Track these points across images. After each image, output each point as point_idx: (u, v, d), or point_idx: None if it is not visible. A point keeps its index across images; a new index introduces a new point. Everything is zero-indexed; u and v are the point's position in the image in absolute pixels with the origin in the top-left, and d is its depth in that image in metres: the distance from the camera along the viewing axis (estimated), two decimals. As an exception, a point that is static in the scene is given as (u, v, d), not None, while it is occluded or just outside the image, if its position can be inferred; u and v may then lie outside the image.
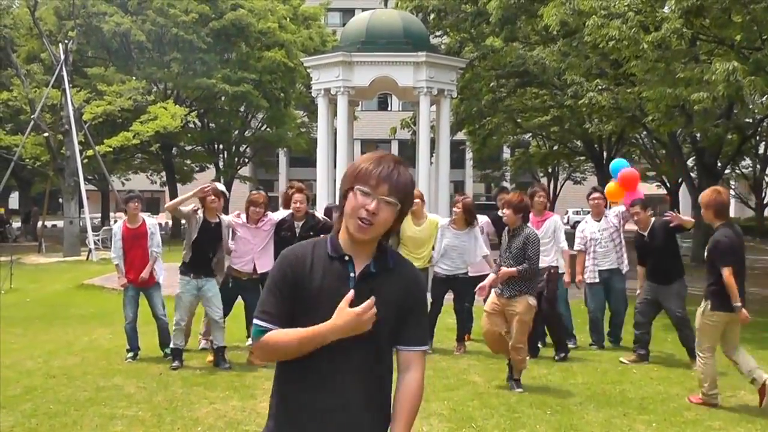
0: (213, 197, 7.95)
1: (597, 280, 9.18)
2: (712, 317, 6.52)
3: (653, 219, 8.40)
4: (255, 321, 2.24)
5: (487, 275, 7.51)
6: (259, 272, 8.23)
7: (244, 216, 8.39)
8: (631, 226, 9.14)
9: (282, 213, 8.57)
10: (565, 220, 36.89)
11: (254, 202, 8.28)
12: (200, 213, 7.95)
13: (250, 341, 8.43)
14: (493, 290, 7.07)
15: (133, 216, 8.47)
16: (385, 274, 2.29)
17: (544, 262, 8.27)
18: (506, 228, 7.11)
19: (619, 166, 10.19)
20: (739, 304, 6.34)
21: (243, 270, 8.27)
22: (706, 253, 6.71)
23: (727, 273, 6.31)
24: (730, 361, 6.79)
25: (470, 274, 8.75)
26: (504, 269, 6.91)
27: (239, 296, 8.47)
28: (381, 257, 2.31)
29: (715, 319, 6.51)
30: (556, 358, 8.35)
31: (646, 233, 8.28)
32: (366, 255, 2.29)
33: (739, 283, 6.40)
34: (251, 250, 8.27)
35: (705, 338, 6.61)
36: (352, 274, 2.25)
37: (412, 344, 2.35)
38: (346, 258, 2.27)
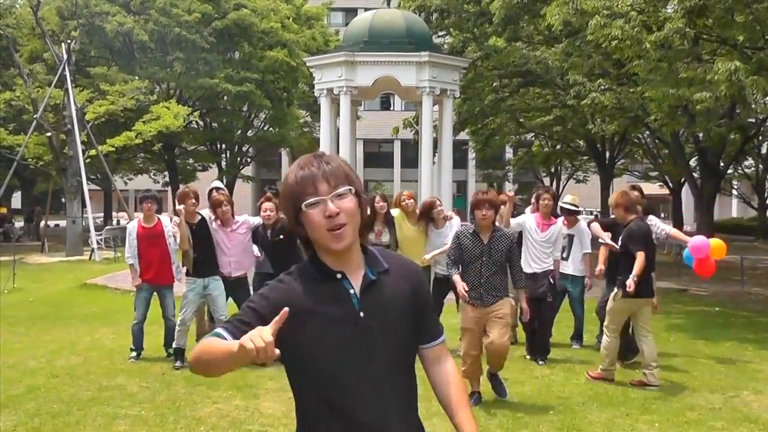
0: (193, 200, 7.96)
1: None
2: (622, 303, 7.25)
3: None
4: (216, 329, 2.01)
5: None
6: (234, 275, 8.23)
7: (218, 219, 8.31)
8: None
9: (258, 219, 8.50)
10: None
11: (217, 203, 8.19)
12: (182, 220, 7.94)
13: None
14: (464, 303, 6.54)
15: (148, 216, 8.46)
16: (384, 278, 2.11)
17: (545, 265, 8.26)
18: (472, 230, 6.56)
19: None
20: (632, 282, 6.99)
21: (223, 272, 8.27)
22: (620, 243, 7.41)
23: (641, 257, 7.00)
24: (637, 343, 7.44)
25: None
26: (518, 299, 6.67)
27: (229, 297, 8.48)
28: (373, 261, 2.13)
29: (625, 305, 7.26)
30: (540, 362, 8.22)
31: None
32: (356, 265, 2.10)
33: (647, 271, 7.11)
34: (226, 254, 8.22)
35: (613, 321, 7.38)
36: (352, 291, 2.05)
37: (436, 338, 2.27)
38: (339, 276, 2.06)
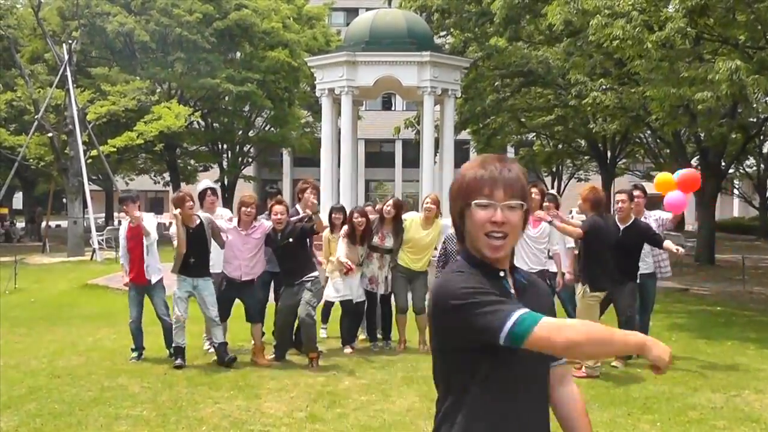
0: (190, 202, 7.95)
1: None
2: (592, 298, 7.56)
3: (634, 216, 8.13)
4: (517, 314, 1.87)
5: None
6: (243, 279, 8.23)
7: (236, 220, 8.30)
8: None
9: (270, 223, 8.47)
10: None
11: (245, 203, 8.18)
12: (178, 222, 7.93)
13: (254, 342, 8.45)
14: None
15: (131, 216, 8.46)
16: (527, 287, 2.13)
17: (539, 264, 8.20)
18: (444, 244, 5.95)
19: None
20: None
21: (232, 275, 8.26)
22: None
23: (579, 230, 7.58)
24: None
25: None
26: None
27: (236, 298, 8.47)
28: (517, 270, 2.14)
29: (594, 299, 7.59)
30: None
31: (622, 227, 7.99)
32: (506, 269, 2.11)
33: (602, 265, 7.51)
34: (238, 257, 8.20)
35: (587, 317, 7.43)
36: (512, 291, 2.06)
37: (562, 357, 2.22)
38: (501, 274, 2.05)
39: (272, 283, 8.91)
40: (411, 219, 8.79)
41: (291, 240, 8.01)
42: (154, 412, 6.26)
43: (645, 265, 8.53)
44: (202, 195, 8.86)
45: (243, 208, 8.17)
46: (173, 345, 8.17)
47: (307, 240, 8.30)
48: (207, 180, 10.55)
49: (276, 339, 8.45)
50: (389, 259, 8.79)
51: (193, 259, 7.95)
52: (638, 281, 8.40)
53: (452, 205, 2.09)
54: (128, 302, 8.53)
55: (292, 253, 8.04)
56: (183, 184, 35.62)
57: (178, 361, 7.96)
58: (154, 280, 8.40)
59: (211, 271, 8.32)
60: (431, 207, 8.70)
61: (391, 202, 8.75)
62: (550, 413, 2.16)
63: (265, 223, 8.37)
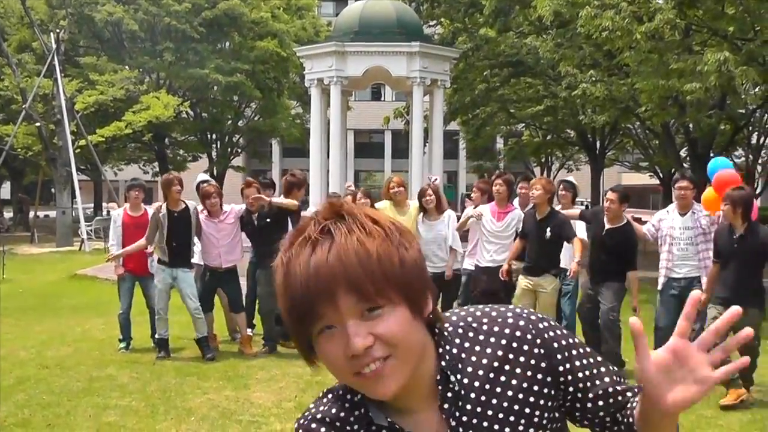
0: (178, 186, 7.91)
1: (672, 291, 7.36)
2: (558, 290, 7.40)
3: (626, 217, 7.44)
4: None
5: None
6: (223, 267, 8.19)
7: (206, 211, 8.27)
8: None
9: (242, 206, 8.44)
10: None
11: (206, 195, 8.17)
12: (163, 208, 7.90)
13: (249, 331, 8.45)
14: None
15: (135, 205, 8.42)
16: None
17: (503, 258, 7.70)
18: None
19: (718, 166, 8.07)
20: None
21: (212, 265, 8.24)
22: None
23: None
24: None
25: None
26: None
27: (218, 288, 8.46)
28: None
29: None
30: None
31: (607, 227, 7.28)
32: None
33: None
34: (216, 245, 8.17)
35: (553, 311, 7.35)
36: None
37: None
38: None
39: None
40: (382, 207, 8.18)
41: (269, 220, 7.97)
42: (142, 402, 6.26)
43: (688, 268, 7.37)
44: (197, 188, 8.85)
45: (206, 200, 8.15)
46: (156, 337, 8.15)
47: (288, 221, 8.21)
48: (203, 174, 10.57)
49: (263, 328, 8.42)
50: None
51: (174, 244, 7.87)
52: (681, 286, 7.34)
53: None
54: (119, 293, 8.49)
55: (269, 235, 7.98)
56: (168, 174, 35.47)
57: (162, 354, 7.93)
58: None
59: (193, 262, 8.30)
60: (400, 190, 8.29)
61: (360, 193, 8.46)
62: None
63: (235, 207, 8.36)
